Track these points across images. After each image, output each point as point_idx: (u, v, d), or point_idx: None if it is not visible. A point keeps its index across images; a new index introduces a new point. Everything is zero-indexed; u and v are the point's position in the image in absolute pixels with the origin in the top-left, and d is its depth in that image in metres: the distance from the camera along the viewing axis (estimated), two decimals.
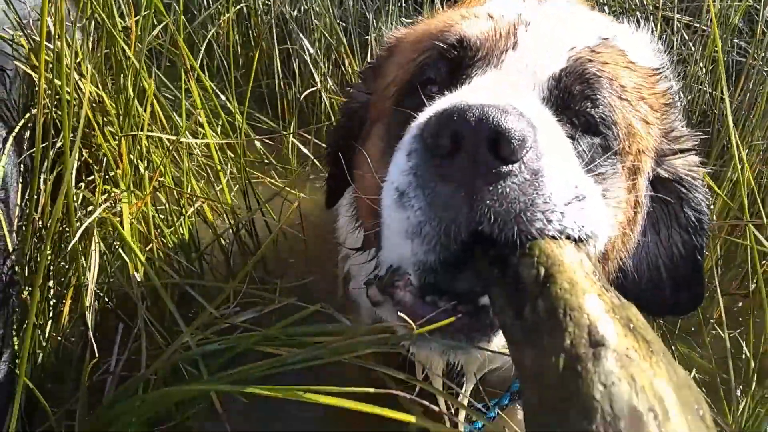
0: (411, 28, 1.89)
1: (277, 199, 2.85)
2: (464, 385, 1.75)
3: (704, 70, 3.26)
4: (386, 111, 1.67)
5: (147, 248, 2.33)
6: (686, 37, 3.55)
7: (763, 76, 2.91)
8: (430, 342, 1.31)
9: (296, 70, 3.78)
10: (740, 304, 2.84)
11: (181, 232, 2.54)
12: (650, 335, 0.96)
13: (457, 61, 1.51)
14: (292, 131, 3.48)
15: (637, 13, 3.58)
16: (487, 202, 1.15)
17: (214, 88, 3.14)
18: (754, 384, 2.19)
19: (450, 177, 1.16)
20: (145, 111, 2.41)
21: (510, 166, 1.14)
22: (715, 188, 2.22)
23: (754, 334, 2.27)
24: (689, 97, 3.33)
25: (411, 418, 1.29)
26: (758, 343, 2.39)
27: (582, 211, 1.22)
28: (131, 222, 2.19)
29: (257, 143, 3.42)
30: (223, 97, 3.23)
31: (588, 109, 1.47)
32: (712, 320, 2.69)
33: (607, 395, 0.84)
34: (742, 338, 2.57)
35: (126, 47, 2.44)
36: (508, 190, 1.15)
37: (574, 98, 1.46)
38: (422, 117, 1.27)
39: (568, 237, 1.19)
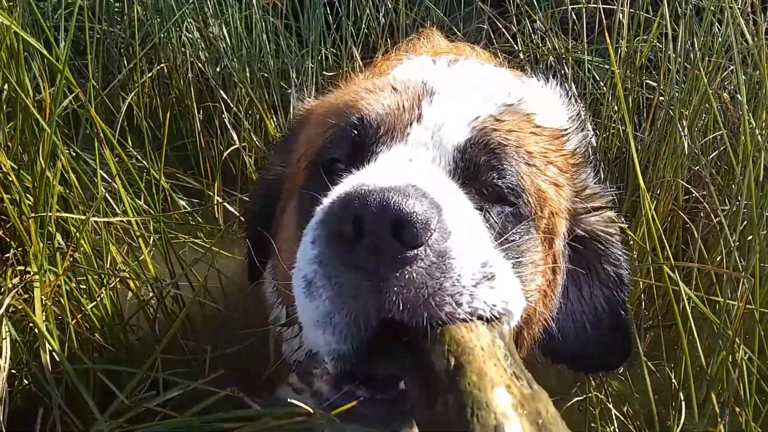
0: (321, 100, 1.88)
1: (205, 262, 2.79)
2: None
3: (616, 108, 3.38)
4: (298, 188, 1.64)
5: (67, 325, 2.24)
6: (597, 78, 3.68)
7: (670, 113, 3.03)
8: (346, 429, 1.25)
9: (218, 128, 3.74)
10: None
11: (104, 303, 2.44)
12: (559, 428, 0.96)
13: (360, 139, 1.50)
14: (216, 190, 3.43)
15: (550, 57, 3.71)
16: (395, 288, 1.12)
17: (133, 152, 3.08)
18: (683, 415, 2.23)
19: (355, 264, 1.13)
20: (59, 182, 2.33)
21: (415, 250, 1.12)
22: (629, 233, 2.28)
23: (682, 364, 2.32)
24: (605, 135, 3.44)
25: None
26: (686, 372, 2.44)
27: (492, 290, 1.21)
28: (45, 303, 2.09)
29: (182, 204, 3.35)
30: (143, 162, 3.16)
31: (494, 180, 1.46)
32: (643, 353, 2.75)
33: None
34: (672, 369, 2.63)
35: (39, 117, 2.35)
36: (414, 275, 1.12)
37: (480, 169, 1.45)
38: (325, 201, 1.25)
39: (480, 318, 1.17)
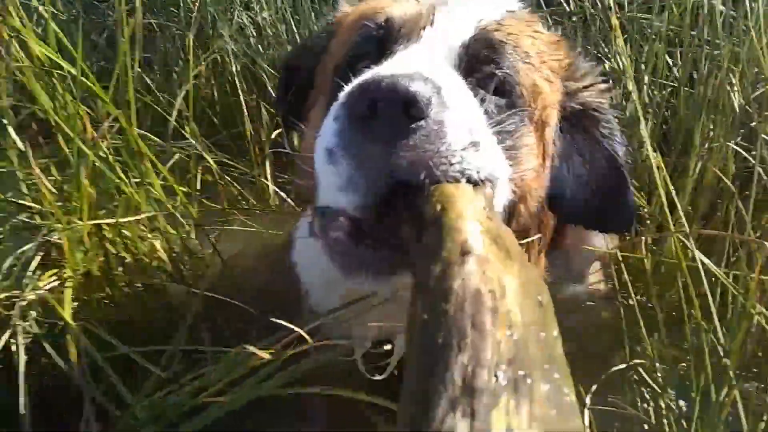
0: (351, 9, 2.16)
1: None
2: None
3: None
4: (327, 84, 1.90)
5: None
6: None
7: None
8: (359, 274, 1.56)
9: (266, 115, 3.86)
10: None
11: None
12: (514, 248, 1.21)
13: (384, 38, 1.76)
14: (266, 174, 3.54)
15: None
16: (401, 153, 1.39)
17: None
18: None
19: (370, 135, 1.40)
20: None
21: (419, 122, 1.38)
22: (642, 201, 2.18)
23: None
24: (653, 90, 3.29)
25: None
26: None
27: (478, 155, 1.46)
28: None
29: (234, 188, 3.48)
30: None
31: (493, 70, 1.72)
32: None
33: (462, 285, 1.07)
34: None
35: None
36: (418, 141, 1.39)
37: (480, 62, 1.71)
38: (348, 88, 1.51)
39: (469, 180, 1.43)
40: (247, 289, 2.51)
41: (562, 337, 1.09)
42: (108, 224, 2.33)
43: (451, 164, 1.42)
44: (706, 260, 2.09)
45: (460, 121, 1.45)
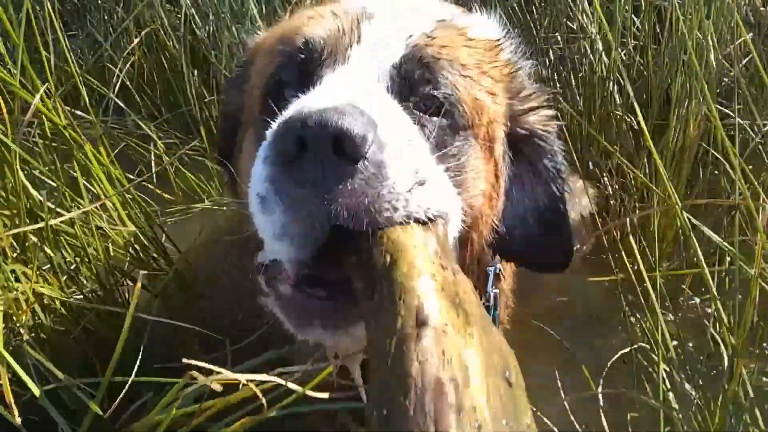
0: (268, 33, 1.97)
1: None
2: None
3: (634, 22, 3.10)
4: (254, 117, 1.76)
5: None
6: None
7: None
8: (314, 329, 1.43)
9: (214, 89, 3.59)
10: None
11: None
12: (473, 308, 1.10)
13: (306, 63, 1.60)
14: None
15: None
16: (339, 199, 1.25)
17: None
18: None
19: (302, 180, 1.26)
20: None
21: (354, 164, 1.24)
22: (635, 171, 2.06)
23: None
24: (620, 50, 3.18)
25: None
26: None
27: (425, 195, 1.33)
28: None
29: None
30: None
31: (430, 92, 1.57)
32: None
33: (420, 371, 0.96)
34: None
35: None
36: (356, 185, 1.25)
37: (415, 83, 1.56)
38: (275, 125, 1.35)
39: (417, 221, 1.31)
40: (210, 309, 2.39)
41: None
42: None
43: (396, 209, 1.28)
44: (707, 230, 1.99)
45: (401, 159, 1.31)
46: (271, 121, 1.39)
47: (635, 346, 2.18)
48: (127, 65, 3.49)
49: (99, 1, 3.90)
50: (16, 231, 2.07)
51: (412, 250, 1.21)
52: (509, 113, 1.78)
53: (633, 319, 2.37)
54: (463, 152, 1.61)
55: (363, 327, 1.29)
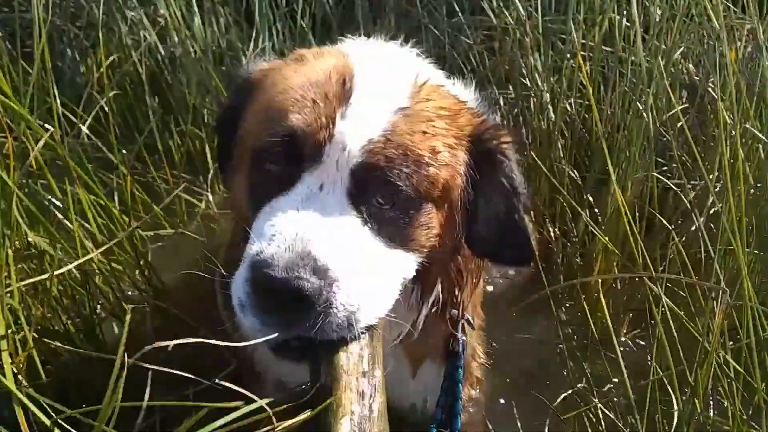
0: (272, 69, 2.05)
1: None
2: None
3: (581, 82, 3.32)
4: (246, 162, 1.92)
5: None
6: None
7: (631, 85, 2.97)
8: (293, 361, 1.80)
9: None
10: None
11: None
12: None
13: (290, 148, 1.77)
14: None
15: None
16: (298, 323, 1.64)
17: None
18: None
19: (272, 310, 1.64)
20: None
21: (312, 307, 1.61)
22: (599, 235, 2.20)
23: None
24: (567, 109, 3.38)
25: None
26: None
27: (368, 314, 1.70)
28: None
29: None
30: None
31: (385, 189, 1.76)
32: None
33: None
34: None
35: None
36: (312, 319, 1.62)
37: (370, 186, 1.75)
38: (252, 249, 1.66)
39: (355, 337, 1.69)
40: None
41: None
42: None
43: (341, 330, 1.67)
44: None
45: (349, 295, 1.65)
46: (262, 197, 1.77)
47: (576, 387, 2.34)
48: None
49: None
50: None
51: (344, 378, 1.63)
52: (474, 133, 1.94)
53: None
54: (423, 226, 1.84)
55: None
